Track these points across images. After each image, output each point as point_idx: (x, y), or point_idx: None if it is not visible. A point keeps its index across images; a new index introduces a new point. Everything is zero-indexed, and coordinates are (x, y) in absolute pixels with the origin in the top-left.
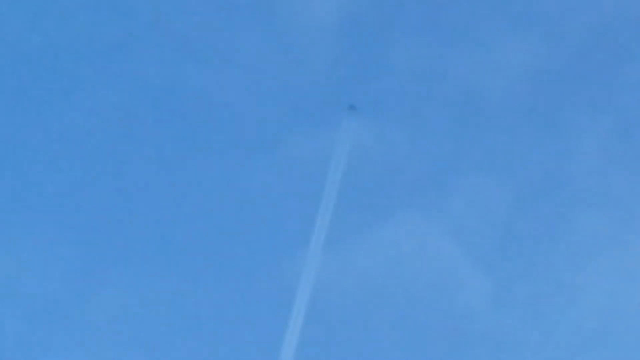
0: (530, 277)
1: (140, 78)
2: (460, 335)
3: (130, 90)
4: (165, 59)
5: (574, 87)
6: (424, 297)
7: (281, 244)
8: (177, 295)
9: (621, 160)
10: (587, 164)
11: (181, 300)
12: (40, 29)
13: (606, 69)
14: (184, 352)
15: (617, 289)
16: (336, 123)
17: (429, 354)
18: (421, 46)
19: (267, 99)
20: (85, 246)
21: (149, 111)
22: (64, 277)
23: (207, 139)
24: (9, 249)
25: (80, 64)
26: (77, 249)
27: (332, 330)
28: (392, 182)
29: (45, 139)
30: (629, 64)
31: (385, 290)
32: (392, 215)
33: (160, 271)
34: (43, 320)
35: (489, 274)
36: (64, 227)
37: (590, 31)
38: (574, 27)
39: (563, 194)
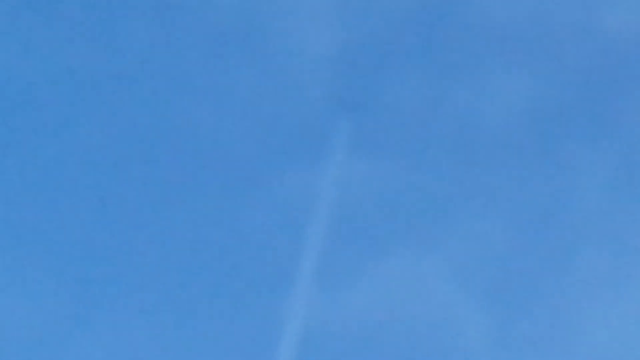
0: (532, 315)
1: (130, 113)
2: None
3: (120, 126)
4: (155, 94)
5: (575, 121)
6: (421, 338)
7: (271, 283)
8: (161, 336)
9: (623, 196)
10: (589, 200)
11: (166, 342)
12: (27, 63)
13: (609, 103)
14: None
15: (621, 327)
16: (330, 158)
17: None
18: (418, 80)
19: (260, 132)
20: (71, 286)
21: (138, 147)
22: (48, 319)
23: (198, 175)
24: None
25: (67, 99)
26: (63, 289)
27: None
28: (388, 218)
29: (31, 176)
30: (632, 98)
31: (380, 331)
32: (387, 252)
33: (144, 314)
34: None
35: (489, 312)
36: (48, 268)
37: (592, 64)
38: (575, 60)
39: (564, 230)
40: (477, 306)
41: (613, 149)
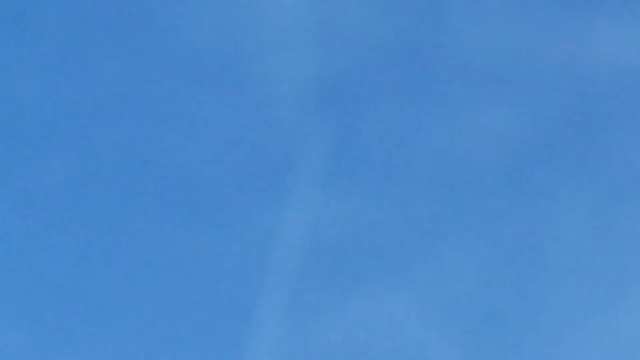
0: (510, 353)
1: (104, 143)
2: None
3: (94, 157)
4: (130, 124)
5: (556, 157)
6: None
7: (240, 320)
8: None
9: (604, 230)
10: (568, 234)
11: None
12: (2, 94)
13: (589, 140)
14: None
15: None
16: (305, 190)
17: None
18: (397, 114)
19: (234, 166)
20: (44, 319)
21: (112, 177)
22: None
23: (167, 204)
24: None
25: (40, 129)
26: (37, 322)
27: None
28: (361, 252)
29: (6, 207)
30: (613, 135)
31: None
32: (360, 288)
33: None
34: None
35: (464, 349)
36: (26, 299)
37: (574, 100)
38: (556, 96)
39: (542, 267)
40: (452, 343)
41: (593, 186)
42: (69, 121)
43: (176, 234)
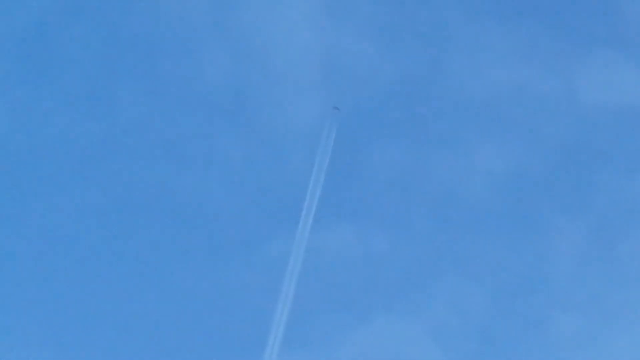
0: None
1: (123, 180)
2: None
3: (113, 193)
4: (148, 161)
5: (551, 190)
6: None
7: (255, 346)
8: None
9: (597, 262)
10: (564, 266)
11: None
12: (25, 128)
13: (583, 175)
14: None
15: None
16: (314, 224)
17: None
18: (400, 151)
19: (247, 201)
20: (68, 346)
21: (130, 212)
22: None
23: (181, 240)
24: None
25: (63, 165)
26: (60, 349)
27: None
28: (371, 284)
29: (26, 241)
30: (605, 170)
31: None
32: (370, 317)
33: None
34: None
35: None
36: (45, 327)
37: (568, 137)
38: (551, 133)
39: (541, 295)
40: None
41: (587, 219)
42: (89, 161)
43: (201, 264)
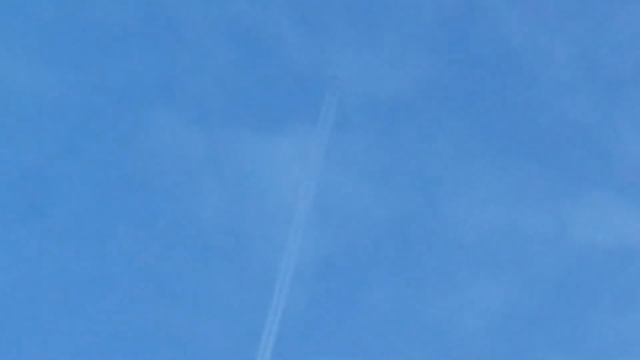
0: None
1: (116, 315)
2: None
3: (105, 330)
4: (140, 298)
5: (544, 327)
6: None
7: None
8: None
9: None
10: None
11: None
12: (17, 266)
13: (576, 311)
14: None
15: None
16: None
17: None
18: (394, 289)
19: (242, 342)
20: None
21: (123, 350)
22: None
23: None
24: None
25: (54, 303)
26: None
27: None
28: None
29: None
30: (599, 306)
31: None
32: None
33: None
34: None
35: None
36: None
37: (560, 274)
38: (543, 271)
39: None
40: None
41: (579, 357)
42: (90, 293)
43: None
